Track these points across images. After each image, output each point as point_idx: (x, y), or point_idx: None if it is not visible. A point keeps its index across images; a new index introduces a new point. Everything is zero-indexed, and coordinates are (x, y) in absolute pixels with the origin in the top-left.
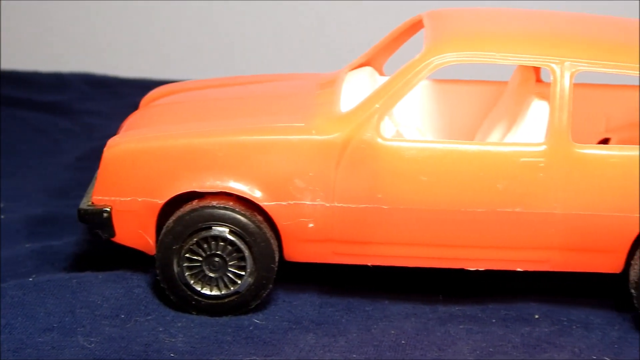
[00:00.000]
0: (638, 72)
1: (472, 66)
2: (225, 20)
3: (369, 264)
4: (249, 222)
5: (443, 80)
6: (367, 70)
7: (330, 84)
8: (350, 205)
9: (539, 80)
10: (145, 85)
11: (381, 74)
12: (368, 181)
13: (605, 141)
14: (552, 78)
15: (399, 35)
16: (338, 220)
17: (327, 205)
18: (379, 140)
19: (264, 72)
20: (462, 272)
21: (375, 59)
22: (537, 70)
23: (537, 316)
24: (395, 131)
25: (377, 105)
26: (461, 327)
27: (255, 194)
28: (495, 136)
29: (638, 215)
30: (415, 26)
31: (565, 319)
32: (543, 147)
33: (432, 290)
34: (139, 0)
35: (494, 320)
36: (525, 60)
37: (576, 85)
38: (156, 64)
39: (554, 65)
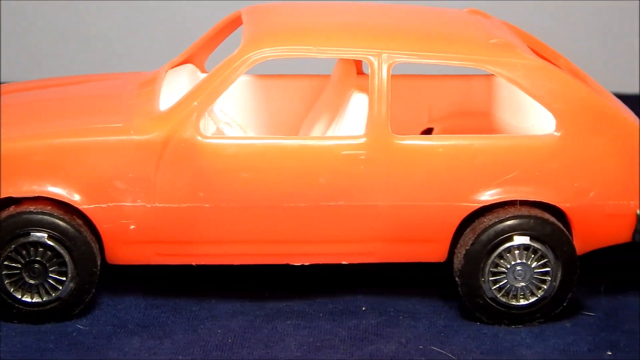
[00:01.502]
0: (457, 62)
1: (300, 60)
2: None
3: (194, 264)
4: (68, 227)
5: (266, 76)
6: (188, 67)
7: (149, 83)
8: (171, 205)
9: (360, 72)
10: None
11: (203, 71)
12: (189, 180)
13: (428, 131)
14: (370, 70)
15: (218, 31)
16: (160, 220)
17: (148, 206)
18: (199, 138)
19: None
20: (288, 267)
21: (196, 56)
22: (358, 63)
23: (364, 308)
24: (215, 129)
25: (195, 103)
26: (288, 322)
27: (74, 197)
28: (318, 130)
29: (460, 203)
30: (235, 22)
31: (392, 309)
32: (363, 140)
33: (259, 287)
34: None
35: (321, 315)
36: (343, 54)
37: (399, 77)
38: None
39: (371, 58)
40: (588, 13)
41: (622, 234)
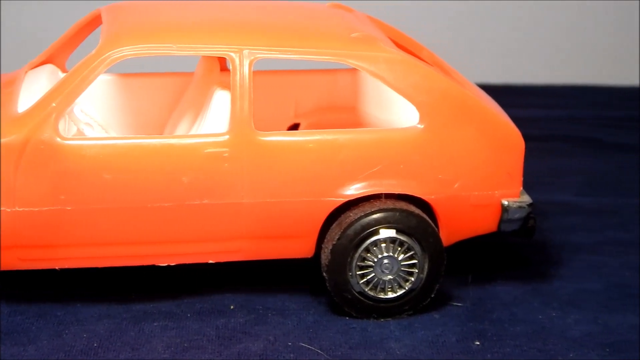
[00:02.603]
0: (319, 57)
1: (166, 58)
2: None
3: (57, 268)
4: None
5: (129, 74)
6: (48, 68)
7: (8, 85)
8: (32, 208)
9: (224, 69)
10: None
11: (63, 70)
12: (49, 183)
13: (295, 127)
14: (231, 67)
15: (78, 30)
16: (21, 225)
17: (9, 210)
18: (58, 139)
19: None
20: (155, 268)
21: (57, 56)
22: (221, 60)
23: (232, 307)
24: (76, 130)
25: (53, 104)
26: (155, 324)
27: None
28: (182, 129)
29: (325, 199)
30: (95, 21)
31: (261, 307)
32: (226, 137)
33: (125, 289)
34: None
35: (189, 315)
36: (204, 51)
37: (264, 73)
38: None
39: (232, 54)
40: (589, 7)
41: (488, 224)
